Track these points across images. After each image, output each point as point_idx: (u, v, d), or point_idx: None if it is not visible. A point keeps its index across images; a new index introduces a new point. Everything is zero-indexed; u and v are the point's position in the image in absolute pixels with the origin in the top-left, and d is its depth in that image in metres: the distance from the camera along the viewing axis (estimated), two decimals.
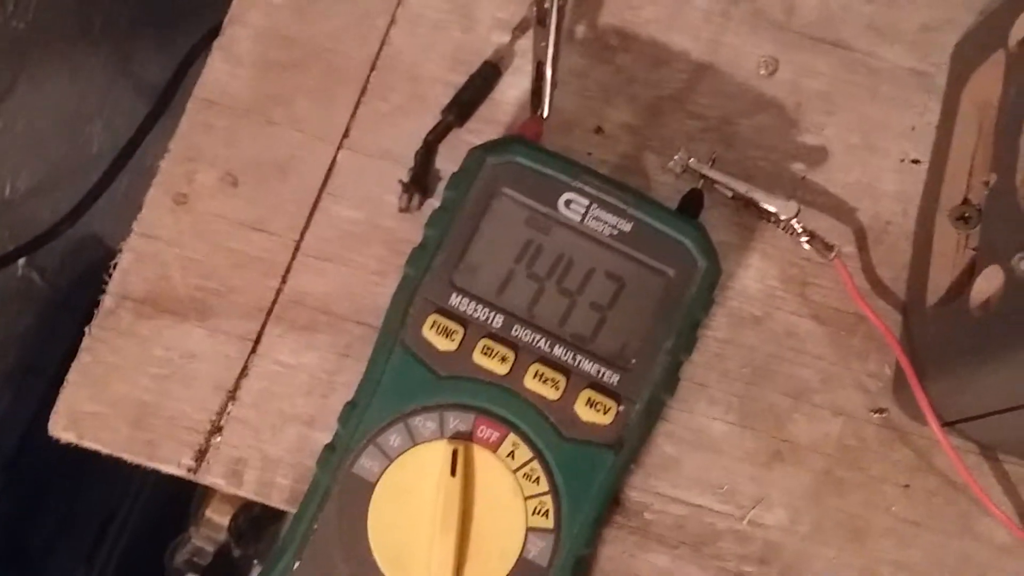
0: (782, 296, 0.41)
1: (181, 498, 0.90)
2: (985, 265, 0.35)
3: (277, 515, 0.90)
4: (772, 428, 0.39)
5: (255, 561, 0.91)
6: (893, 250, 0.41)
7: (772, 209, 0.39)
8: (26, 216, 0.61)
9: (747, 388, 0.39)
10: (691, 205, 0.39)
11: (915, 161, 0.43)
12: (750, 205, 0.40)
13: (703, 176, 0.40)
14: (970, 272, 0.38)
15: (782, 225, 0.40)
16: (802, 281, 0.41)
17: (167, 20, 0.70)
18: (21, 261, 0.61)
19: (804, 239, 0.40)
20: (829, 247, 0.40)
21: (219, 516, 0.91)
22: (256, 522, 0.89)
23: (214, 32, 0.52)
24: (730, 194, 0.40)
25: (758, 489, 0.38)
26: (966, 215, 0.39)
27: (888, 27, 0.44)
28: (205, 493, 0.91)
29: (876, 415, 0.39)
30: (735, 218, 0.41)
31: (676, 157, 0.40)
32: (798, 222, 0.40)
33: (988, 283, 0.35)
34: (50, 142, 0.65)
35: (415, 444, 0.33)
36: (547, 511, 0.32)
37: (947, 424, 0.37)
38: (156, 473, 0.87)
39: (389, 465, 0.32)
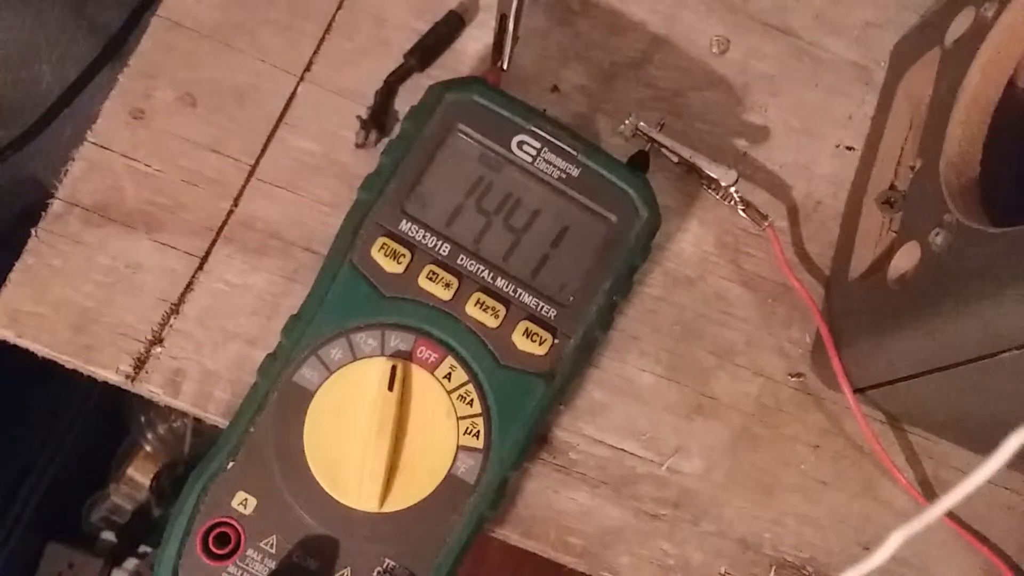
0: (715, 261, 0.42)
1: (100, 455, 0.89)
2: (904, 241, 0.38)
3: None
4: (696, 383, 0.41)
5: None
6: (822, 228, 0.44)
7: (713, 175, 0.41)
8: None
9: (676, 344, 0.41)
10: (637, 165, 0.40)
11: (849, 148, 0.45)
12: (693, 171, 0.42)
13: (651, 139, 0.42)
14: (891, 252, 0.40)
15: (721, 192, 0.42)
16: (735, 249, 0.43)
17: None
18: None
19: (741, 207, 0.42)
20: (763, 216, 0.42)
21: (141, 475, 0.91)
22: (179, 482, 0.88)
23: None
24: (675, 159, 0.42)
25: (678, 439, 0.40)
26: (891, 200, 0.42)
27: (835, 21, 0.46)
28: (127, 451, 0.91)
29: (793, 379, 0.41)
30: (678, 184, 0.43)
31: (627, 121, 0.42)
32: (736, 190, 0.42)
33: (905, 259, 0.37)
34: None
35: (356, 359, 0.34)
36: (478, 432, 0.34)
37: (858, 390, 0.39)
38: (74, 428, 0.86)
39: (329, 377, 0.33)
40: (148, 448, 0.90)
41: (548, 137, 0.36)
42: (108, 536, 0.89)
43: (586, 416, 0.39)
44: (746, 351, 0.41)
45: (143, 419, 0.89)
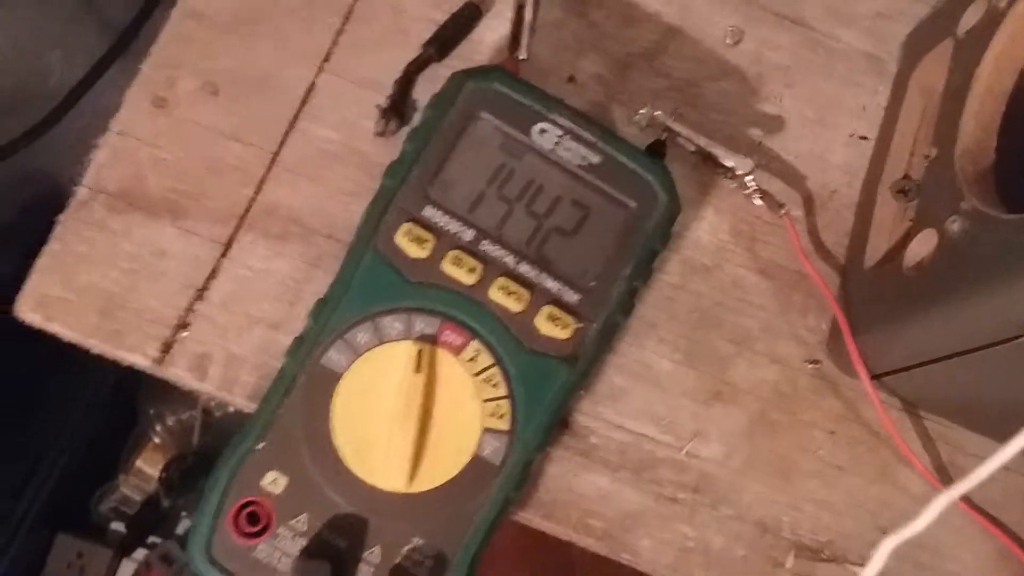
0: (732, 249, 0.43)
1: (109, 447, 0.90)
2: (920, 229, 0.38)
3: (208, 467, 0.91)
4: (714, 370, 0.41)
5: (183, 513, 0.91)
6: (837, 217, 0.44)
7: (730, 164, 0.42)
8: None
9: (694, 331, 0.41)
10: (654, 154, 0.41)
11: (863, 138, 0.45)
12: (709, 160, 0.42)
13: (667, 128, 0.42)
14: (906, 240, 0.40)
15: (737, 181, 0.42)
16: (751, 237, 0.43)
17: None
18: None
19: (757, 196, 0.42)
20: (780, 205, 0.42)
21: (150, 466, 0.91)
22: (187, 473, 0.89)
23: None
24: (692, 148, 0.42)
25: (697, 424, 0.40)
26: (906, 189, 0.42)
27: (847, 11, 0.47)
28: (136, 443, 0.91)
29: (810, 366, 0.42)
30: (693, 174, 0.43)
31: (643, 111, 0.43)
32: (752, 179, 0.42)
33: (922, 246, 0.38)
34: (9, 66, 0.65)
35: (382, 342, 0.34)
36: (503, 414, 0.34)
37: (875, 377, 0.40)
38: (84, 420, 0.86)
39: (356, 360, 0.34)
40: (157, 440, 0.91)
41: (568, 125, 0.36)
42: (117, 527, 0.90)
43: (606, 401, 0.40)
44: (763, 338, 0.42)
45: (152, 411, 0.90)
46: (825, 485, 0.40)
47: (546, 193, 0.36)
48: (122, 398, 0.89)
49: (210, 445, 0.90)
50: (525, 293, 0.35)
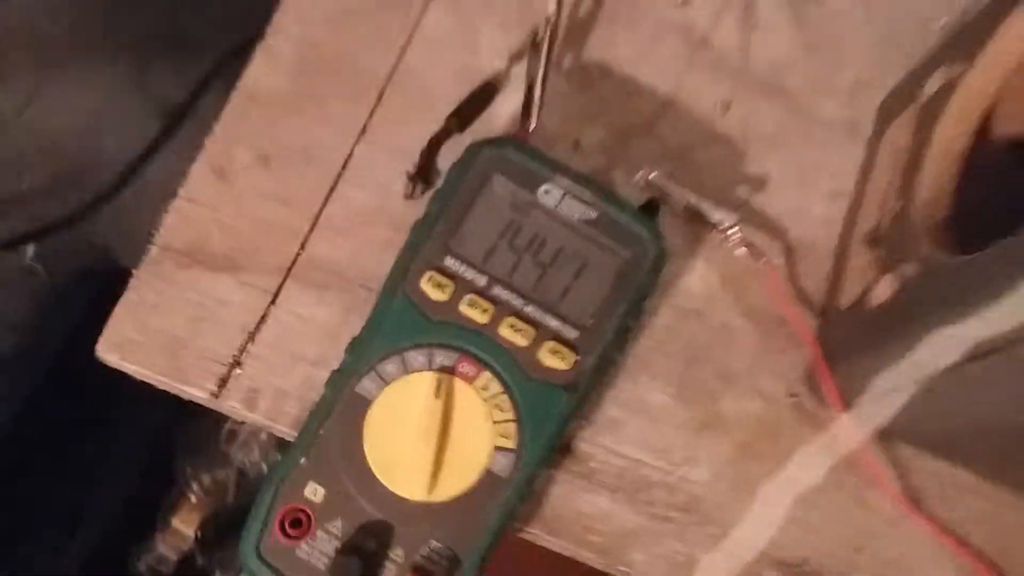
0: (720, 296, 0.48)
1: (146, 506, 0.92)
2: (885, 273, 0.43)
3: (241, 525, 0.93)
4: (704, 403, 0.46)
5: (218, 571, 0.93)
6: (815, 265, 0.49)
7: (717, 218, 0.47)
8: (37, 210, 0.66)
9: (685, 368, 0.46)
10: (649, 210, 0.46)
11: (840, 194, 0.50)
12: (698, 215, 0.47)
13: (661, 188, 0.47)
14: (875, 284, 0.45)
15: (723, 234, 0.48)
16: (738, 285, 0.48)
17: (184, 43, 0.75)
18: (29, 252, 0.66)
19: (742, 247, 0.47)
20: (762, 254, 0.47)
21: (186, 526, 0.93)
22: (222, 531, 0.91)
23: (225, 59, 0.58)
24: (683, 205, 0.47)
25: (688, 452, 0.45)
26: (877, 239, 0.47)
27: (827, 81, 0.52)
28: (173, 501, 0.94)
29: (791, 398, 0.46)
30: (685, 228, 0.48)
31: (640, 173, 0.48)
32: (738, 232, 0.47)
33: (884, 289, 0.42)
34: (66, 144, 0.68)
35: (407, 373, 0.40)
36: (511, 435, 0.39)
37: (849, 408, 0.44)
38: (123, 475, 0.87)
39: (385, 388, 0.39)
40: (193, 499, 0.90)
41: (570, 185, 0.42)
42: None
43: (605, 431, 0.45)
44: (748, 375, 0.46)
45: (189, 469, 0.90)
46: (805, 507, 0.45)
47: (550, 245, 0.41)
48: (159, 456, 0.91)
49: (245, 505, 0.91)
50: (531, 330, 0.40)
